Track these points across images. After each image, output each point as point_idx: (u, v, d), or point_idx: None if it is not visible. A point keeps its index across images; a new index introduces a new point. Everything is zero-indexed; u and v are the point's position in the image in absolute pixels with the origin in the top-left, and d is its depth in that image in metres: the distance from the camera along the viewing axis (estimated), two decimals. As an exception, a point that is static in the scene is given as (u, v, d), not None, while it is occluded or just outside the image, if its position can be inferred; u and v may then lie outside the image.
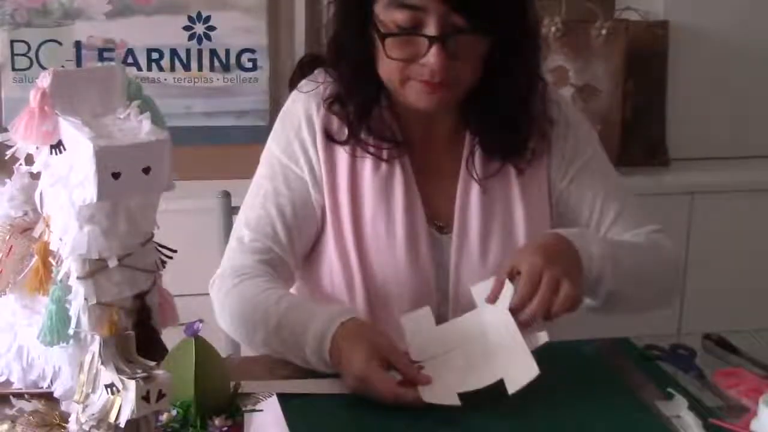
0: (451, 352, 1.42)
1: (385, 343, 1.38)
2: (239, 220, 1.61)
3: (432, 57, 1.45)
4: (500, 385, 1.34)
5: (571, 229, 1.52)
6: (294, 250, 1.59)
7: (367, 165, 1.58)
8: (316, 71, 1.62)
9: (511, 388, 1.32)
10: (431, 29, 1.45)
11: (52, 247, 1.14)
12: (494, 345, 1.39)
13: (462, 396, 1.33)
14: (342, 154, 1.58)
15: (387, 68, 1.51)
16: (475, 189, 1.59)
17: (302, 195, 1.58)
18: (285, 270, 1.58)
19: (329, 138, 1.58)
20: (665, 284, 1.64)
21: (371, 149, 1.57)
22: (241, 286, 1.52)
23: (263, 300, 1.48)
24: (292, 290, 1.65)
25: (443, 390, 1.35)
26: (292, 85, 1.65)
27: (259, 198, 1.59)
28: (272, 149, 1.62)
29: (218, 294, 1.55)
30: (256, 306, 1.48)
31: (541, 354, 1.37)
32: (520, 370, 1.33)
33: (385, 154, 1.58)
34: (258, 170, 1.63)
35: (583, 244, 1.47)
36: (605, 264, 1.48)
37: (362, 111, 1.56)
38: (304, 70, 1.66)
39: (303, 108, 1.59)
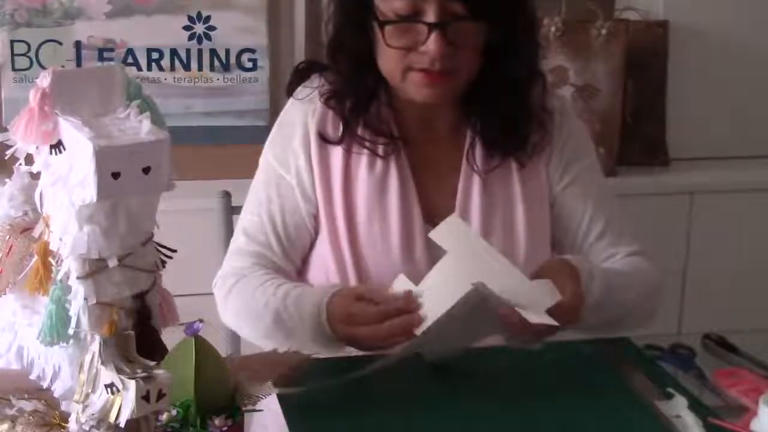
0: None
1: (369, 288, 1.44)
2: (239, 225, 1.64)
3: (431, 44, 1.46)
4: (500, 384, 1.34)
5: (579, 258, 1.52)
6: (288, 257, 1.61)
7: (362, 164, 1.58)
8: (312, 77, 1.63)
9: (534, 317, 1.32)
10: (430, 16, 1.45)
11: (52, 247, 1.14)
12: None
13: (459, 394, 1.33)
14: (337, 157, 1.58)
15: (387, 59, 1.51)
16: (476, 185, 1.59)
17: (293, 204, 1.60)
18: (282, 274, 1.60)
19: (324, 140, 1.58)
20: (648, 308, 1.62)
21: (367, 144, 1.57)
22: (241, 283, 1.56)
23: (261, 292, 1.52)
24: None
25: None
26: (290, 91, 1.66)
27: (255, 204, 1.62)
28: (267, 156, 1.64)
29: (220, 292, 1.59)
30: (256, 298, 1.52)
31: (541, 353, 1.37)
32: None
33: (381, 150, 1.58)
34: (256, 175, 1.65)
35: (586, 277, 1.46)
36: (603, 296, 1.48)
37: (360, 105, 1.57)
38: (300, 76, 1.66)
39: (298, 115, 1.60)
